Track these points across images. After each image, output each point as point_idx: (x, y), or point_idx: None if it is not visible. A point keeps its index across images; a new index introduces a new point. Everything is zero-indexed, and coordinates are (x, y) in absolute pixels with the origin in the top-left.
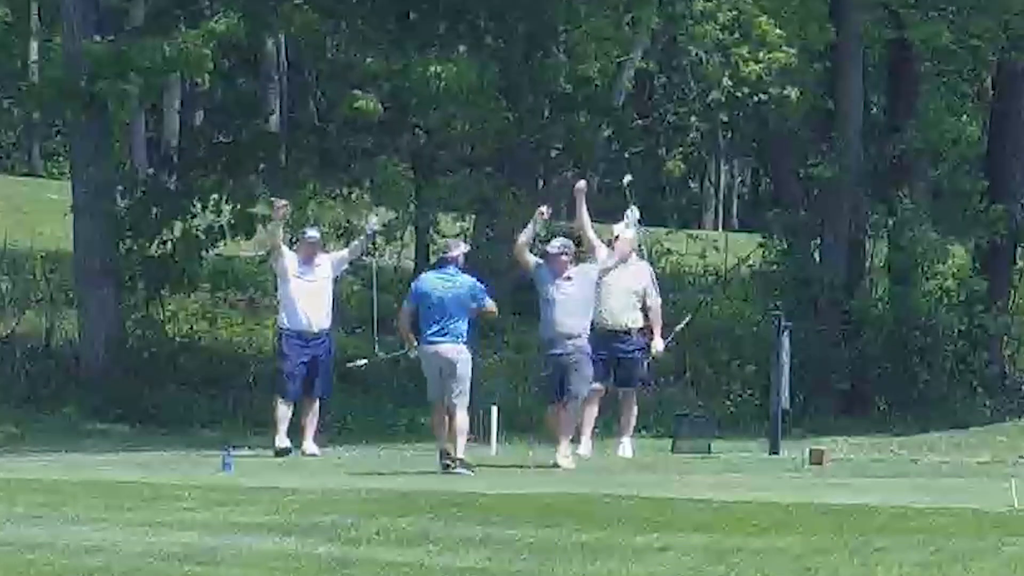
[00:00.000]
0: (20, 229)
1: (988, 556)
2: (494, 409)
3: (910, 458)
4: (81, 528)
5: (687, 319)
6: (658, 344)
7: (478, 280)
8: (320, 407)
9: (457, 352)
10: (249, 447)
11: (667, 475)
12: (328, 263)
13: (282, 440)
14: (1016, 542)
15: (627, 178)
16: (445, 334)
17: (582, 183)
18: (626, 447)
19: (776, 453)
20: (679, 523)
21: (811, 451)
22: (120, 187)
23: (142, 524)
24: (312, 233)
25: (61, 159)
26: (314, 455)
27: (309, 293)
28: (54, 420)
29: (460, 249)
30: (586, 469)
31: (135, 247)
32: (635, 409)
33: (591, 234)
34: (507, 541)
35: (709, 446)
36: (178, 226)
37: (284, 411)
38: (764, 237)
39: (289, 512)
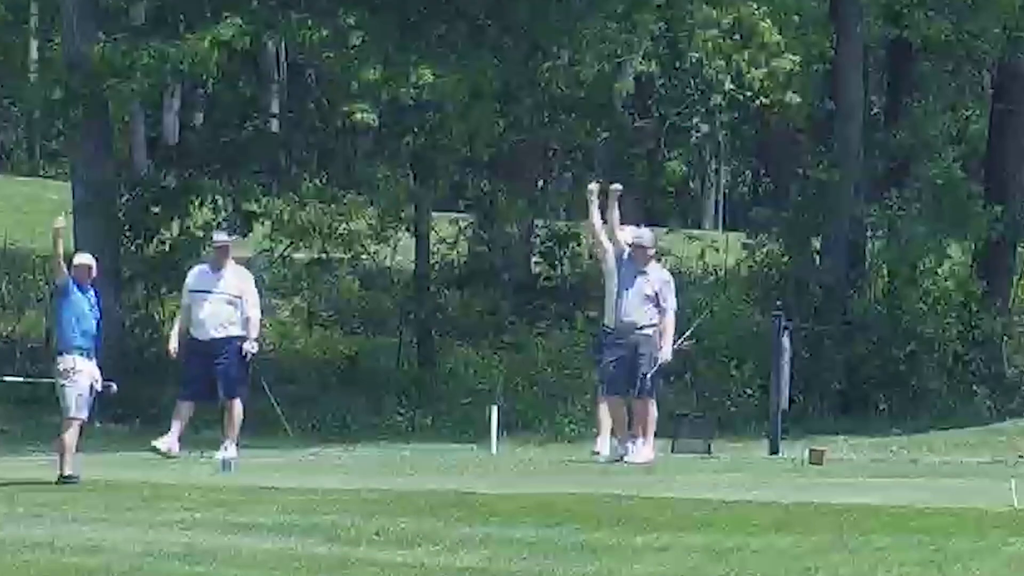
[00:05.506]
0: (20, 229)
1: (988, 556)
2: (494, 409)
3: (910, 458)
4: (81, 528)
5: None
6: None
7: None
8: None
9: None
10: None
11: (667, 475)
12: (240, 278)
13: (164, 442)
14: (1016, 542)
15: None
16: None
17: (617, 185)
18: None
19: (776, 453)
20: (679, 523)
21: (811, 451)
22: (120, 187)
23: (142, 524)
24: (220, 236)
25: (62, 159)
26: (225, 459)
27: (207, 302)
28: (54, 420)
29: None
30: (586, 470)
31: (134, 247)
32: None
33: (603, 237)
34: (507, 541)
35: (709, 446)
36: (176, 225)
37: (182, 411)
38: (749, 237)
39: (289, 512)
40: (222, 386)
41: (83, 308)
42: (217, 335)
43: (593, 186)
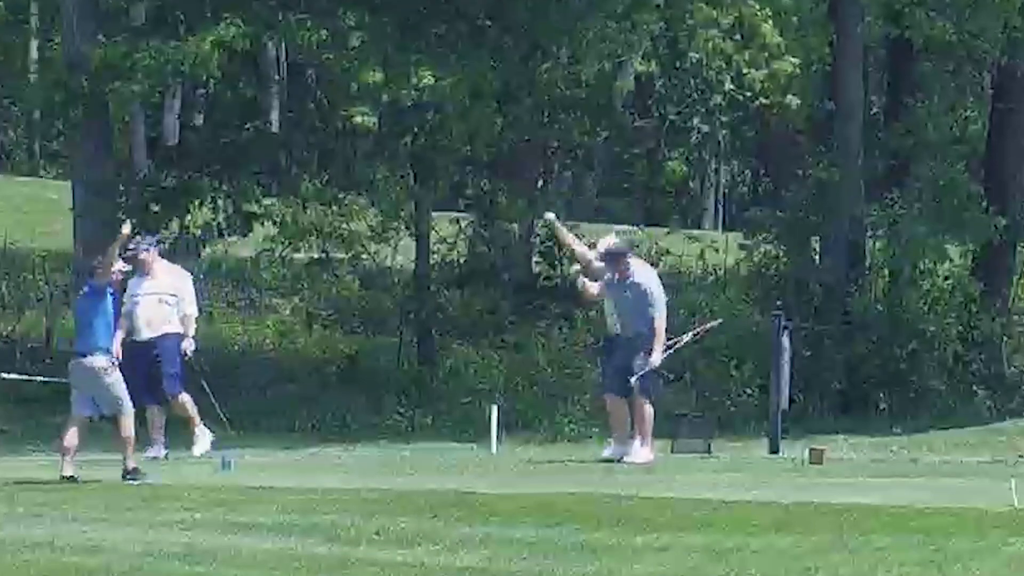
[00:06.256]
0: (20, 229)
1: (988, 556)
2: (494, 408)
3: (910, 458)
4: (81, 528)
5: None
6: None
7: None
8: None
9: None
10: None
11: (667, 475)
12: (175, 277)
13: (148, 454)
14: (1016, 542)
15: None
16: None
17: (550, 215)
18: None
19: (776, 453)
20: (679, 523)
21: (811, 451)
22: (120, 187)
23: (142, 524)
24: (131, 245)
25: (62, 159)
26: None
27: (140, 306)
28: (54, 420)
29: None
30: (586, 470)
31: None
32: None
33: (578, 248)
34: (507, 541)
35: (709, 446)
36: (176, 225)
37: (154, 417)
38: (746, 238)
39: (289, 512)
40: (159, 386)
41: (110, 311)
42: (153, 335)
43: (550, 215)
